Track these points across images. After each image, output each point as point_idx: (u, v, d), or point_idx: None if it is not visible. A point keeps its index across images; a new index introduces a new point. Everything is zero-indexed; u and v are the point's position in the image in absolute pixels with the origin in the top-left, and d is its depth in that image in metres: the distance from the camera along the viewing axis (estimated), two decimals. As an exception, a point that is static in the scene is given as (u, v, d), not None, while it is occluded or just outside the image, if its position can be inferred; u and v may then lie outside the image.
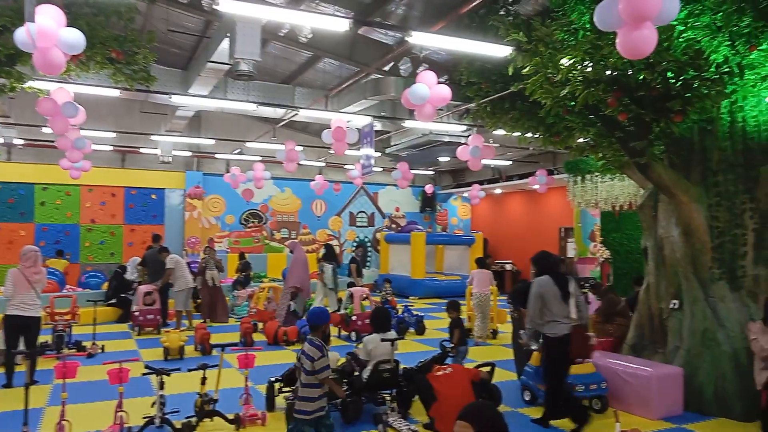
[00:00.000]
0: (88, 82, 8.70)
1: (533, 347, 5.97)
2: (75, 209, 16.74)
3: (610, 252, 12.95)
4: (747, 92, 5.94)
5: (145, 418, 5.22)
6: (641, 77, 5.37)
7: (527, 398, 6.31)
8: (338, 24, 6.19)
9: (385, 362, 5.81)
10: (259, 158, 16.38)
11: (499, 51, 6.71)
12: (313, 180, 17.99)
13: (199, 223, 18.57)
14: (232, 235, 19.38)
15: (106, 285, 13.66)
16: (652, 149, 5.79)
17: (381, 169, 19.26)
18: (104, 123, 14.86)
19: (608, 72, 5.49)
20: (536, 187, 16.71)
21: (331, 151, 11.13)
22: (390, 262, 19.24)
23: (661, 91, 5.47)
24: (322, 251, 12.35)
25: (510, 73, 6.32)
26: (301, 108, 12.03)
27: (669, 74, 5.42)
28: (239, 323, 10.19)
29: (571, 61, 5.50)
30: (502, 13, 7.43)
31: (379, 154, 17.25)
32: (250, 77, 8.05)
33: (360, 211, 22.09)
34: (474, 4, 6.86)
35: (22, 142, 14.82)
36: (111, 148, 16.05)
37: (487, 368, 6.10)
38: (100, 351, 8.86)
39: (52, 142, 10.94)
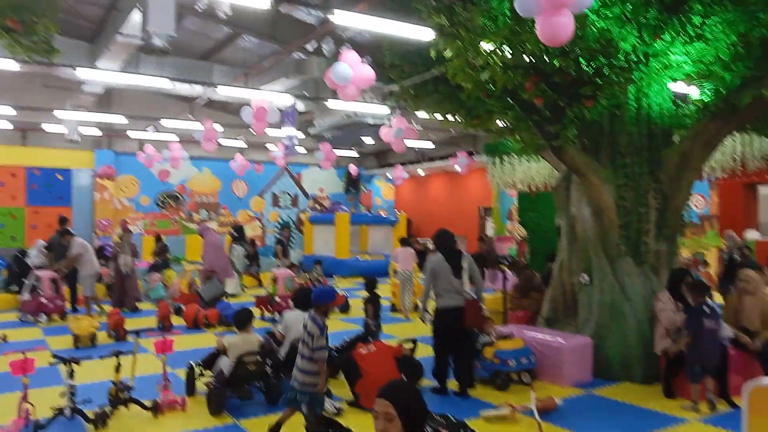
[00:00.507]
0: (-18, 53, 7.98)
1: (427, 320, 6.16)
2: (-31, 190, 15.48)
3: (527, 230, 13.51)
4: (652, 80, 6.32)
5: (54, 409, 4.95)
6: (557, 63, 5.58)
7: None
8: (259, 1, 6.00)
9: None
10: (176, 137, 15.73)
11: (421, 34, 6.75)
12: (234, 160, 17.51)
13: (111, 204, 17.66)
14: (148, 217, 18.60)
15: (5, 271, 12.73)
16: (565, 133, 6.05)
17: (304, 149, 19.03)
18: (2, 98, 13.72)
19: (526, 58, 5.67)
20: (457, 168, 17.12)
21: (252, 131, 10.86)
22: (314, 242, 19.15)
23: (575, 77, 5.70)
24: (232, 232, 12.09)
25: (432, 57, 6.39)
26: (220, 86, 11.63)
27: (582, 61, 5.66)
28: (156, 308, 9.82)
29: (491, 47, 5.63)
30: (425, -5, 7.46)
31: (302, 134, 17.03)
32: (164, 53, 7.67)
33: (283, 192, 21.77)
34: (397, -16, 6.85)
35: None
36: (11, 125, 14.86)
37: (410, 344, 6.25)
38: (2, 341, 8.29)
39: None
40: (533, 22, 4.34)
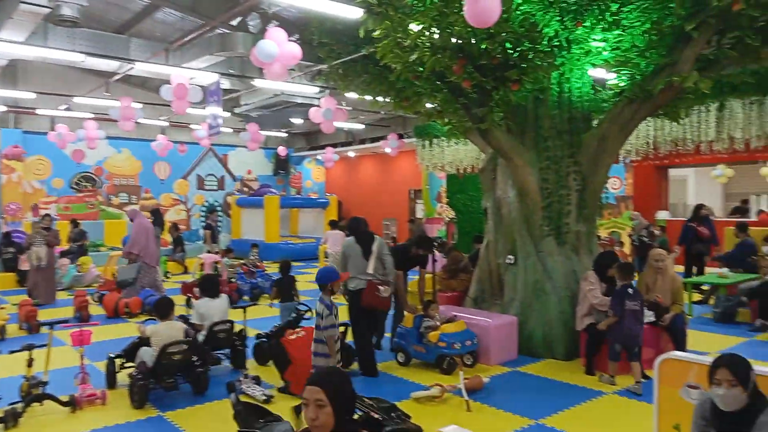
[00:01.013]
0: None
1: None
2: None
3: (455, 212, 13.80)
4: (573, 65, 6.52)
5: (-43, 410, 4.59)
6: (483, 47, 5.64)
7: (401, 360, 6.33)
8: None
9: (220, 323, 5.87)
10: (91, 115, 14.84)
11: (350, 12, 6.63)
12: (155, 140, 16.74)
13: (19, 187, 16.51)
14: (62, 201, 17.53)
15: None
16: (492, 116, 6.15)
17: (230, 129, 18.46)
18: None
19: (454, 40, 5.69)
20: (388, 150, 17.16)
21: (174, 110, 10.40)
22: (242, 226, 18.72)
23: (501, 60, 5.79)
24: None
25: (361, 36, 6.30)
26: (138, 61, 11.03)
27: (507, 45, 5.75)
28: (72, 297, 9.29)
29: (420, 27, 5.61)
30: (353, -28, 7.34)
31: (227, 113, 16.50)
32: (75, 23, 7.16)
33: (209, 174, 21.10)
34: (325, -39, 6.69)
35: None
36: None
37: (341, 328, 6.21)
38: None
39: None
40: (461, 3, 4.34)
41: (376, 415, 3.35)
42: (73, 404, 5.02)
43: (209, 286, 6.31)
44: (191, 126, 16.88)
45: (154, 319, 5.69)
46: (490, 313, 6.84)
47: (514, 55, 5.83)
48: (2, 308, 8.17)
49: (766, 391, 2.72)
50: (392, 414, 3.41)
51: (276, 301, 7.38)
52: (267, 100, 15.80)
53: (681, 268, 9.91)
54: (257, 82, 12.14)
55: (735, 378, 2.64)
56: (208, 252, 13.27)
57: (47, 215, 11.48)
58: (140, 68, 11.24)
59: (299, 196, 21.95)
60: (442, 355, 5.94)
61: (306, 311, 6.46)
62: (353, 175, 22.69)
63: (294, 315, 6.27)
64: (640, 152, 10.33)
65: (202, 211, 20.61)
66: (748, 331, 7.62)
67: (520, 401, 5.11)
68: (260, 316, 7.51)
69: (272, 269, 13.97)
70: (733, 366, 2.67)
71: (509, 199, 7.09)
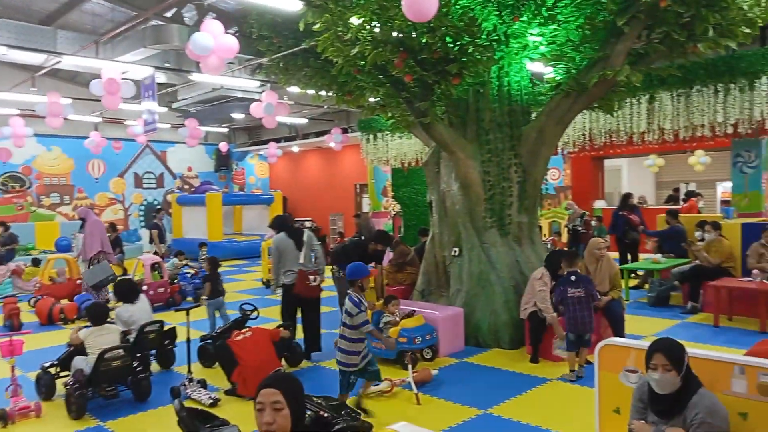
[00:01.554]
0: None
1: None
2: None
3: (400, 206, 13.85)
4: (512, 59, 6.64)
5: None
6: (424, 40, 5.66)
7: None
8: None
9: (149, 324, 5.77)
10: (17, 111, 14.03)
11: (289, 4, 6.51)
12: (88, 137, 16.00)
13: (-62, 189, 15.46)
14: (-13, 203, 16.55)
15: None
16: (434, 110, 6.19)
17: (168, 125, 17.87)
18: None
19: (395, 34, 5.68)
20: (332, 145, 17.03)
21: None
22: (184, 225, 18.19)
23: (442, 54, 5.83)
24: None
25: (301, 29, 6.20)
26: (66, 54, 10.49)
27: (448, 39, 5.79)
28: (1, 304, 8.79)
29: (360, 21, 5.57)
30: (291, -35, 7.20)
31: (164, 109, 15.96)
32: (-5, 14, 6.73)
33: (147, 172, 20.38)
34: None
35: None
36: None
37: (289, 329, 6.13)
38: None
39: None
40: (401, -2, 4.33)
41: (326, 414, 3.31)
42: (4, 419, 4.77)
43: (126, 291, 6.09)
44: (126, 122, 16.24)
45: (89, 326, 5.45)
46: (437, 305, 6.90)
47: (455, 49, 5.88)
48: None
49: (698, 372, 2.85)
50: (342, 412, 3.38)
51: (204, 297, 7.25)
52: (206, 95, 15.38)
53: (616, 255, 10.30)
54: (195, 76, 11.78)
55: (669, 363, 2.75)
56: (155, 253, 12.85)
57: None
58: (68, 62, 10.70)
59: (242, 192, 21.50)
60: (402, 350, 5.82)
61: (252, 311, 6.34)
62: (298, 170, 22.42)
63: (237, 313, 6.16)
64: (576, 144, 10.64)
65: (141, 211, 19.91)
66: (680, 314, 8.00)
67: (469, 392, 5.18)
68: (204, 318, 7.32)
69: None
70: (668, 351, 2.78)
71: (453, 192, 7.16)
